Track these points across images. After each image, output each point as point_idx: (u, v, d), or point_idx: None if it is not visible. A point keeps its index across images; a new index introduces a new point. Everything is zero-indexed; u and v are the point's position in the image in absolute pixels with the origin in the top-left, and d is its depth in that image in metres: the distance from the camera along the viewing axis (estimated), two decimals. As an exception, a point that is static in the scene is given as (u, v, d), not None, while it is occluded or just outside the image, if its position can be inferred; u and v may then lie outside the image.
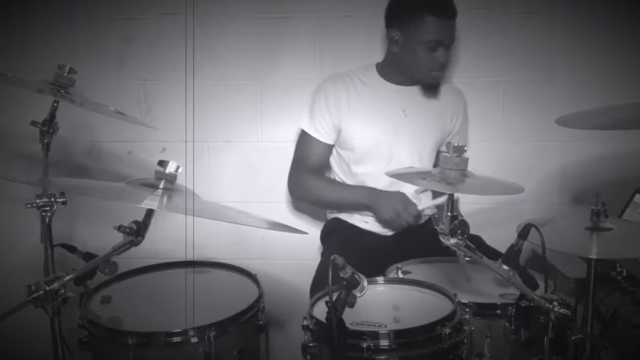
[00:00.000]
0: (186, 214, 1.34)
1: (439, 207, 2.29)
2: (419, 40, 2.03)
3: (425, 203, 2.13)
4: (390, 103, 2.16)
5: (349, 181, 2.21)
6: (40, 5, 2.46)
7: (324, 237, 2.31)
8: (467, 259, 1.65)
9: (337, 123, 2.15)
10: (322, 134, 2.17)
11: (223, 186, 2.53)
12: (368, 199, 2.11)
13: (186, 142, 2.41)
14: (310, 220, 2.52)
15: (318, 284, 1.92)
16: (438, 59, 2.05)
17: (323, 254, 2.23)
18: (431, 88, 2.21)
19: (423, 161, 2.19)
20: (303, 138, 2.22)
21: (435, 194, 2.29)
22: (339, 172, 2.24)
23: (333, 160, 2.25)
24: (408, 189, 2.12)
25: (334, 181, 2.24)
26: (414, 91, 2.19)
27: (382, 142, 2.15)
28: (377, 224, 2.18)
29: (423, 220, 2.14)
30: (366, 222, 2.20)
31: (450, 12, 2.03)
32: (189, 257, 1.96)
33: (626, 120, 1.74)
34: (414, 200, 2.11)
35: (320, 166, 2.24)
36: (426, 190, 2.24)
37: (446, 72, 2.19)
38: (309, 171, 2.21)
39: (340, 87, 2.16)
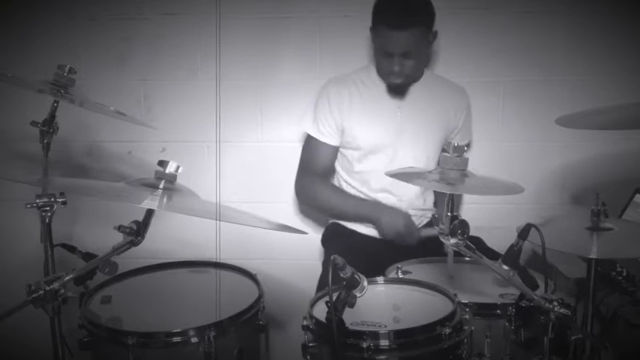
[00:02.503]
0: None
1: (439, 207, 2.30)
2: (377, 46, 2.09)
3: (427, 231, 2.13)
4: (387, 102, 2.17)
5: (353, 181, 2.22)
6: (40, 5, 2.46)
7: (325, 242, 2.32)
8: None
9: (340, 124, 2.16)
10: (326, 136, 2.18)
11: (223, 186, 2.53)
12: (372, 213, 2.13)
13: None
14: (311, 221, 2.52)
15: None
16: (392, 67, 2.05)
17: (324, 262, 2.23)
18: (427, 86, 2.22)
19: (428, 157, 2.19)
20: (308, 142, 2.23)
21: (437, 194, 2.30)
22: (342, 173, 2.25)
23: (336, 161, 2.26)
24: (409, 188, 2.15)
25: (340, 191, 2.23)
26: (410, 89, 2.19)
27: (385, 139, 2.16)
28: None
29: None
30: (366, 226, 2.21)
31: (401, 24, 1.97)
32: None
33: (626, 120, 1.74)
34: (418, 200, 2.14)
35: (326, 169, 2.24)
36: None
37: (410, 79, 2.13)
38: (316, 175, 2.21)
39: (342, 88, 2.18)
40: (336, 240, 2.24)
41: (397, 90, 2.16)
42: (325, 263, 2.19)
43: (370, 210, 2.14)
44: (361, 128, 2.15)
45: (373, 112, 2.16)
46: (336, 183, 2.28)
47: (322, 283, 2.00)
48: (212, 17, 2.43)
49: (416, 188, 2.18)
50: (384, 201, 2.17)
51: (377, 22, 2.04)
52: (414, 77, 2.16)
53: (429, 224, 2.19)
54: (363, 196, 2.20)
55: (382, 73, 2.13)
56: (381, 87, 2.18)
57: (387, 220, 2.09)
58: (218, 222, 1.36)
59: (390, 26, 1.98)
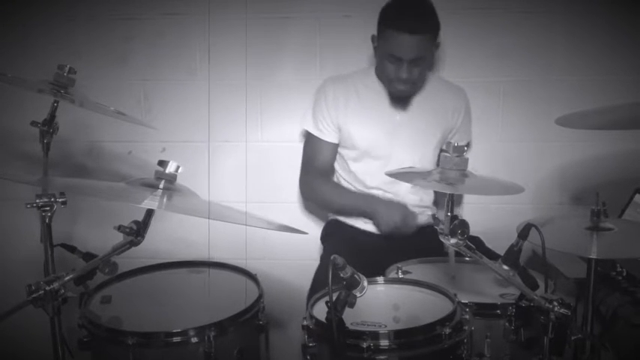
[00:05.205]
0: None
1: (439, 207, 2.30)
2: (383, 51, 2.05)
3: (423, 219, 2.16)
4: (386, 105, 2.18)
5: (349, 179, 2.24)
6: (40, 5, 2.46)
7: (324, 238, 2.33)
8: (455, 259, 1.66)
9: (336, 122, 2.19)
10: (325, 133, 2.21)
11: (223, 186, 2.53)
12: (368, 207, 2.15)
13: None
14: (311, 221, 2.52)
15: (317, 288, 1.91)
16: (399, 74, 2.03)
17: (322, 257, 2.23)
18: (427, 88, 2.22)
19: (424, 159, 2.19)
20: (309, 139, 2.26)
21: (437, 194, 2.30)
22: (340, 171, 2.27)
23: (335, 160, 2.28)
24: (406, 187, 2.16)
25: (339, 186, 2.27)
26: (412, 99, 2.19)
27: (381, 140, 2.17)
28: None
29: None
30: (365, 222, 2.21)
31: (413, 28, 1.96)
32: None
33: (625, 120, 1.74)
34: (414, 196, 2.16)
35: (327, 166, 2.26)
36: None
37: (416, 88, 2.14)
38: (317, 172, 2.24)
39: (339, 88, 2.20)
40: (335, 236, 2.25)
41: (400, 101, 2.16)
42: (324, 259, 2.20)
43: (366, 204, 2.16)
44: (357, 128, 2.17)
45: (370, 113, 2.18)
46: (335, 180, 2.30)
47: (318, 277, 2.02)
48: (212, 17, 2.43)
49: (410, 186, 2.18)
50: (380, 195, 2.18)
51: (386, 26, 2.02)
52: (419, 87, 2.16)
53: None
54: (359, 191, 2.21)
55: (387, 79, 2.11)
56: (381, 92, 2.19)
57: (384, 213, 2.10)
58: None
59: (403, 30, 1.96)
